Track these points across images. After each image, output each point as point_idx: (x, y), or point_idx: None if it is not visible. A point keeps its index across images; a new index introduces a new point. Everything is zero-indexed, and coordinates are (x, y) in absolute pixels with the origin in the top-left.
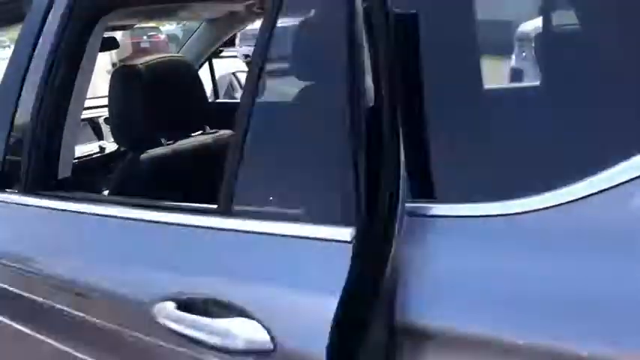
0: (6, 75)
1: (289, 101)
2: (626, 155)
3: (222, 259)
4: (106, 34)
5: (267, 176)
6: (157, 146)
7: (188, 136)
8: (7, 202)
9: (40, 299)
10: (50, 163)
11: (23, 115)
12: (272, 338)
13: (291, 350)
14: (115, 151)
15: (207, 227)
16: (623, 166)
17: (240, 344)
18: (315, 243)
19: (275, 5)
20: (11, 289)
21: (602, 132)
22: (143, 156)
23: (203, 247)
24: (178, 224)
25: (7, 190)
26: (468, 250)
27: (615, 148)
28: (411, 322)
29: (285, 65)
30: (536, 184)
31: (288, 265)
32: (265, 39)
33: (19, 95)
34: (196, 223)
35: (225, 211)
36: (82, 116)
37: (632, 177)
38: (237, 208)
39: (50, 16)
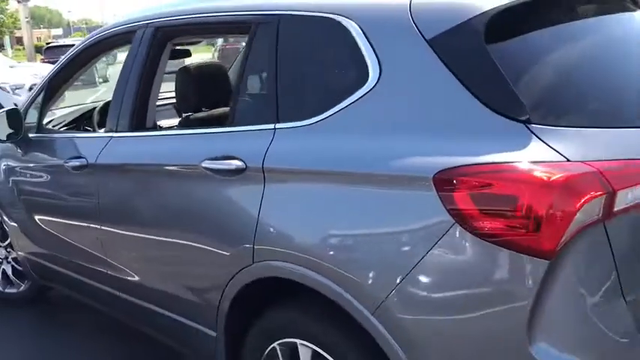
0: (120, 73)
1: None
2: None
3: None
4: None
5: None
6: (200, 112)
7: (217, 107)
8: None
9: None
10: (143, 117)
11: (129, 93)
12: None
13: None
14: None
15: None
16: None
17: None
18: None
19: None
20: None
21: None
22: (192, 116)
23: None
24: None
25: (120, 130)
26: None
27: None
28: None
29: None
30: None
31: None
32: None
33: (127, 83)
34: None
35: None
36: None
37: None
38: None
39: (142, 42)
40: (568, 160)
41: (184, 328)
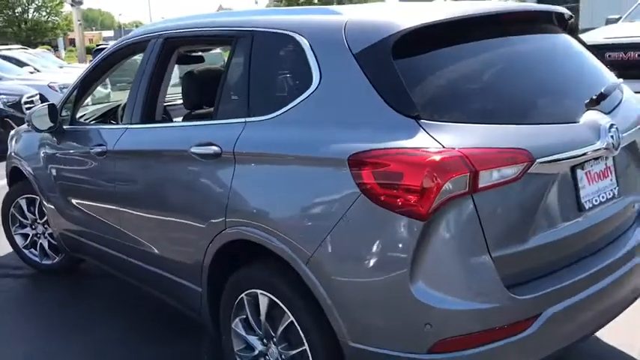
0: (135, 75)
1: None
2: None
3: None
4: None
5: None
6: (200, 109)
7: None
8: (132, 129)
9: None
10: (152, 114)
11: (142, 92)
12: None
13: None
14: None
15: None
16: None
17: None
18: None
19: None
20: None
21: None
22: (193, 112)
23: None
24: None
25: (134, 122)
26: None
27: None
28: None
29: None
30: None
31: None
32: None
33: (140, 83)
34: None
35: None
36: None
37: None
38: None
39: (153, 50)
40: (443, 147)
41: (178, 286)
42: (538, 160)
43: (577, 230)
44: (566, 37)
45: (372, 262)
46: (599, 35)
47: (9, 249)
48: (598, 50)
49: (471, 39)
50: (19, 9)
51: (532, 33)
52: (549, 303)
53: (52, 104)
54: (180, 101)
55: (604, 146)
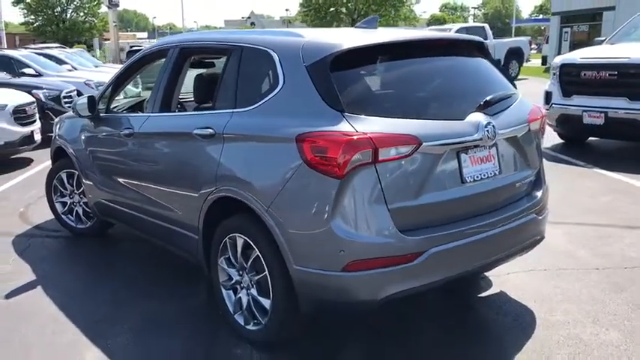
0: (157, 75)
1: None
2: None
3: None
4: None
5: None
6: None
7: None
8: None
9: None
10: (169, 105)
11: (162, 88)
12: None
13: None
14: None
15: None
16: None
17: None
18: None
19: None
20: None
21: None
22: (200, 105)
23: None
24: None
25: (155, 111)
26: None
27: None
28: None
29: None
30: None
31: None
32: None
33: (161, 82)
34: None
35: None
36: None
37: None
38: None
39: (171, 59)
40: (356, 131)
41: (182, 236)
42: (424, 144)
43: (458, 196)
44: (477, 59)
45: (307, 209)
46: (576, 55)
47: (49, 216)
48: (575, 69)
49: (388, 58)
50: (59, 9)
51: (444, 55)
52: (432, 244)
53: (92, 96)
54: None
55: (479, 137)
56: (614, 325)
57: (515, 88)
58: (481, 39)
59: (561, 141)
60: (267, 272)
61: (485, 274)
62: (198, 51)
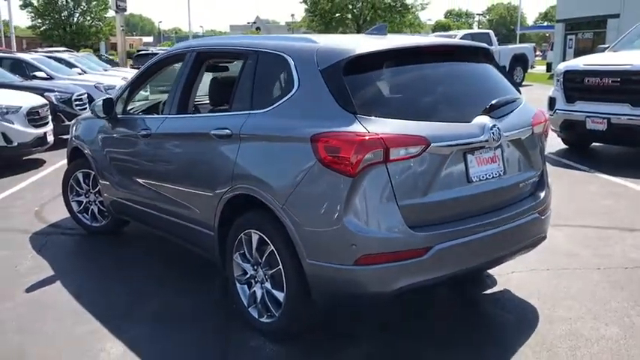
0: (175, 79)
1: None
2: None
3: None
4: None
5: None
6: (222, 105)
7: None
8: (174, 118)
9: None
10: (186, 107)
11: (179, 91)
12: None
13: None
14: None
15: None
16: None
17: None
18: None
19: None
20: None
21: None
22: (216, 108)
23: None
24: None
25: (172, 113)
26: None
27: None
28: None
29: None
30: None
31: None
32: None
33: (178, 85)
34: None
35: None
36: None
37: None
38: None
39: (188, 63)
40: (368, 132)
41: (198, 233)
42: (433, 144)
43: (465, 195)
44: (483, 65)
45: (320, 205)
46: (580, 62)
47: (64, 215)
48: (578, 75)
49: (398, 63)
50: (66, 13)
51: (452, 60)
52: (439, 240)
53: (110, 98)
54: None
55: (485, 139)
56: (613, 321)
57: (520, 93)
58: (486, 45)
59: (565, 146)
60: (281, 266)
61: (490, 272)
62: (215, 55)
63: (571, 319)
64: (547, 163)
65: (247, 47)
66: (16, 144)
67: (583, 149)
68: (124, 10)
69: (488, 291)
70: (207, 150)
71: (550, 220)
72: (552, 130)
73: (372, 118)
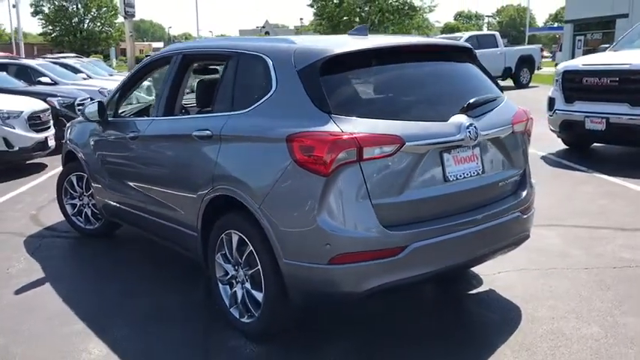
0: (162, 81)
1: None
2: None
3: None
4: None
5: None
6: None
7: None
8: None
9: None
10: (172, 109)
11: (165, 93)
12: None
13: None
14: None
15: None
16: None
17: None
18: None
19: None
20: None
21: None
22: (202, 110)
23: None
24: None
25: (159, 115)
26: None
27: None
28: None
29: None
30: None
31: None
32: None
33: (164, 87)
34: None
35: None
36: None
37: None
38: None
39: (174, 66)
40: (342, 131)
41: (182, 233)
42: (407, 143)
43: (441, 194)
44: (465, 64)
45: (295, 205)
46: (579, 62)
47: (59, 218)
48: (577, 75)
49: (375, 63)
50: (76, 19)
51: (432, 60)
52: (415, 239)
53: (101, 102)
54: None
55: (461, 138)
56: (596, 320)
57: (502, 92)
58: (468, 45)
59: (565, 147)
60: (259, 266)
61: (476, 272)
62: (199, 58)
63: (554, 319)
64: (546, 164)
65: (229, 49)
66: (17, 148)
67: (583, 150)
68: (133, 15)
69: (473, 290)
70: (190, 151)
71: (533, 219)
72: (552, 130)
73: (347, 117)
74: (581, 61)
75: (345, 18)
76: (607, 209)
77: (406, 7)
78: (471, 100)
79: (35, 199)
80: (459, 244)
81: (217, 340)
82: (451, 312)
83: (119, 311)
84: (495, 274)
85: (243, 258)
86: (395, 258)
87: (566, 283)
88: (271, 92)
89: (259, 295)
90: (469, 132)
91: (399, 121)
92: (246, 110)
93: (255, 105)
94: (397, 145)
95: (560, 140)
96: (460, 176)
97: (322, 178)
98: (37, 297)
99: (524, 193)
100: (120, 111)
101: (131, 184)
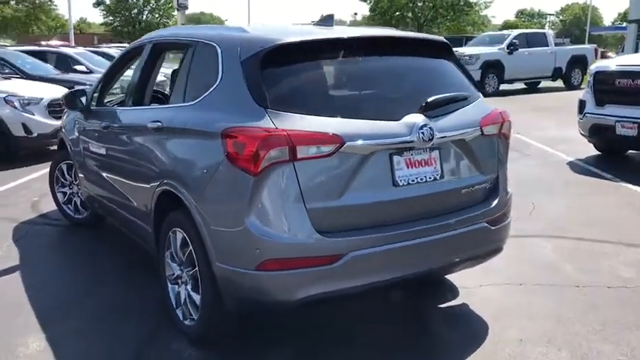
0: (133, 71)
1: None
2: None
3: None
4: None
5: None
6: None
7: None
8: (127, 110)
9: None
10: (142, 98)
11: (136, 82)
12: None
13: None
14: None
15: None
16: None
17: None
18: None
19: None
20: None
21: None
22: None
23: None
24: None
25: (124, 104)
26: None
27: None
28: None
29: None
30: None
31: None
32: None
33: (134, 79)
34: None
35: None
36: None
37: None
38: None
39: (145, 54)
40: (276, 128)
41: (142, 229)
42: (348, 143)
43: (388, 199)
44: (438, 60)
45: (226, 205)
46: (612, 63)
47: (52, 207)
48: (609, 77)
49: (325, 56)
50: (135, 10)
51: (399, 55)
52: (354, 248)
53: (83, 90)
54: None
55: (412, 139)
56: (569, 345)
57: (478, 90)
58: (443, 39)
59: (597, 152)
60: (197, 267)
61: (457, 284)
62: (167, 47)
63: (521, 341)
64: (570, 170)
65: (189, 38)
66: (35, 135)
67: (616, 157)
68: (186, 7)
69: (445, 304)
70: (144, 143)
71: (508, 230)
72: (582, 134)
73: (285, 113)
74: (615, 62)
75: (397, 13)
76: (621, 222)
77: (461, 3)
78: (430, 99)
79: (43, 186)
80: (408, 255)
81: (163, 339)
82: (412, 325)
83: (77, 303)
84: (476, 288)
85: (185, 258)
86: (330, 267)
87: (548, 301)
88: (216, 84)
89: (197, 298)
90: (422, 133)
91: (341, 119)
92: (194, 102)
93: (202, 97)
94: (336, 144)
95: (591, 145)
96: (412, 181)
97: (252, 178)
98: (1, 286)
99: (494, 202)
100: (106, 100)
101: (104, 174)
